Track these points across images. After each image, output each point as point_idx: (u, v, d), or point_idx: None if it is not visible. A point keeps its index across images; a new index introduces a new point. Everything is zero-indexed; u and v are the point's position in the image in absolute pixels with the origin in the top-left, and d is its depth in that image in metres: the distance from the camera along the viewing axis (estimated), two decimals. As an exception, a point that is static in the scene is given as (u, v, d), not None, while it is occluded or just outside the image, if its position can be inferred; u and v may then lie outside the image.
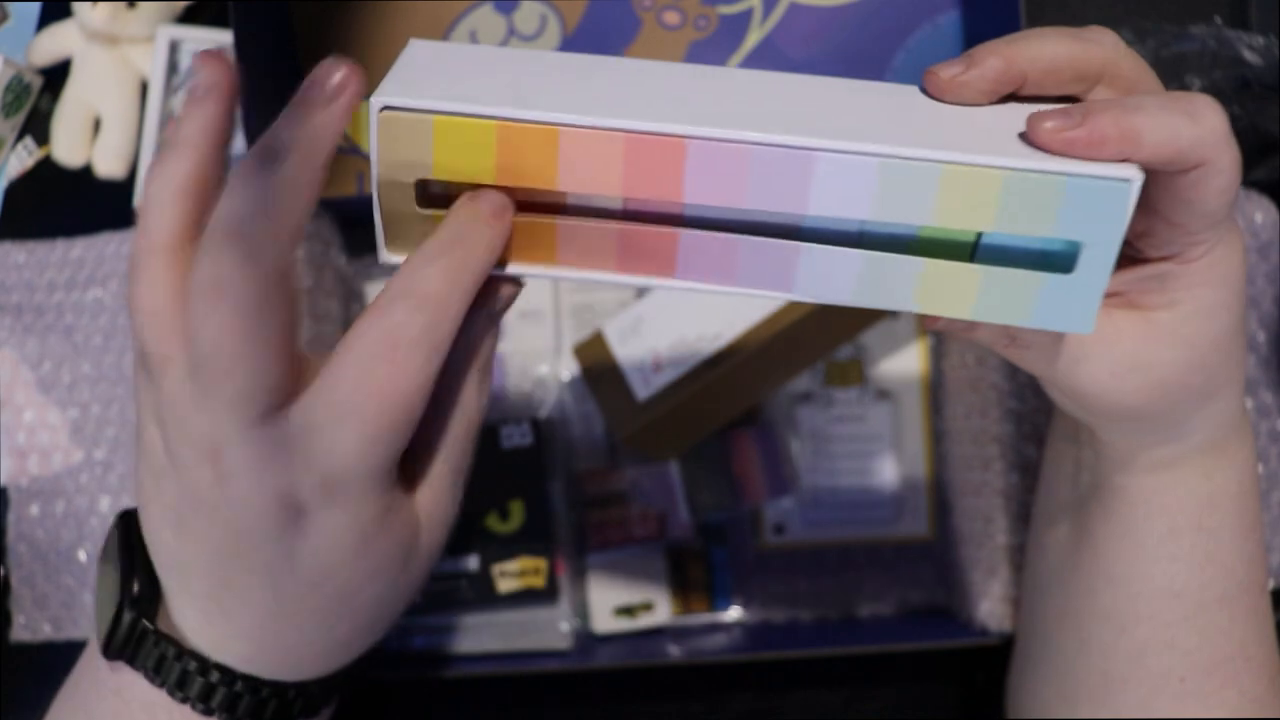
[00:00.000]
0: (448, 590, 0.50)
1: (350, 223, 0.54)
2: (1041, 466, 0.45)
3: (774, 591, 0.55)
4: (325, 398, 0.26)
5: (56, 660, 0.54)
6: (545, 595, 0.50)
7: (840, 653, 0.51)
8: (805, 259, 0.28)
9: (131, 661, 0.30)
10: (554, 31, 0.52)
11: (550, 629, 0.51)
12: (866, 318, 0.52)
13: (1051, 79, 0.30)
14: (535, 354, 0.54)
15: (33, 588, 0.53)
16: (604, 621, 0.52)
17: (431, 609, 0.49)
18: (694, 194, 0.28)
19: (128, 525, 0.32)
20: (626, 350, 0.49)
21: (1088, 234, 0.28)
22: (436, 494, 0.31)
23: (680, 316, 0.49)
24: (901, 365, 0.55)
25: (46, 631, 0.54)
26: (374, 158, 0.28)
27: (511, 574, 0.50)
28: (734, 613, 0.54)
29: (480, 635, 0.51)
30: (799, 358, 0.51)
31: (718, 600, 0.54)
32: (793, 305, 0.48)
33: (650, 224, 0.29)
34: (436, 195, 0.30)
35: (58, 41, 0.58)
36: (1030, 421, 0.50)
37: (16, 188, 0.58)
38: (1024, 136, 0.28)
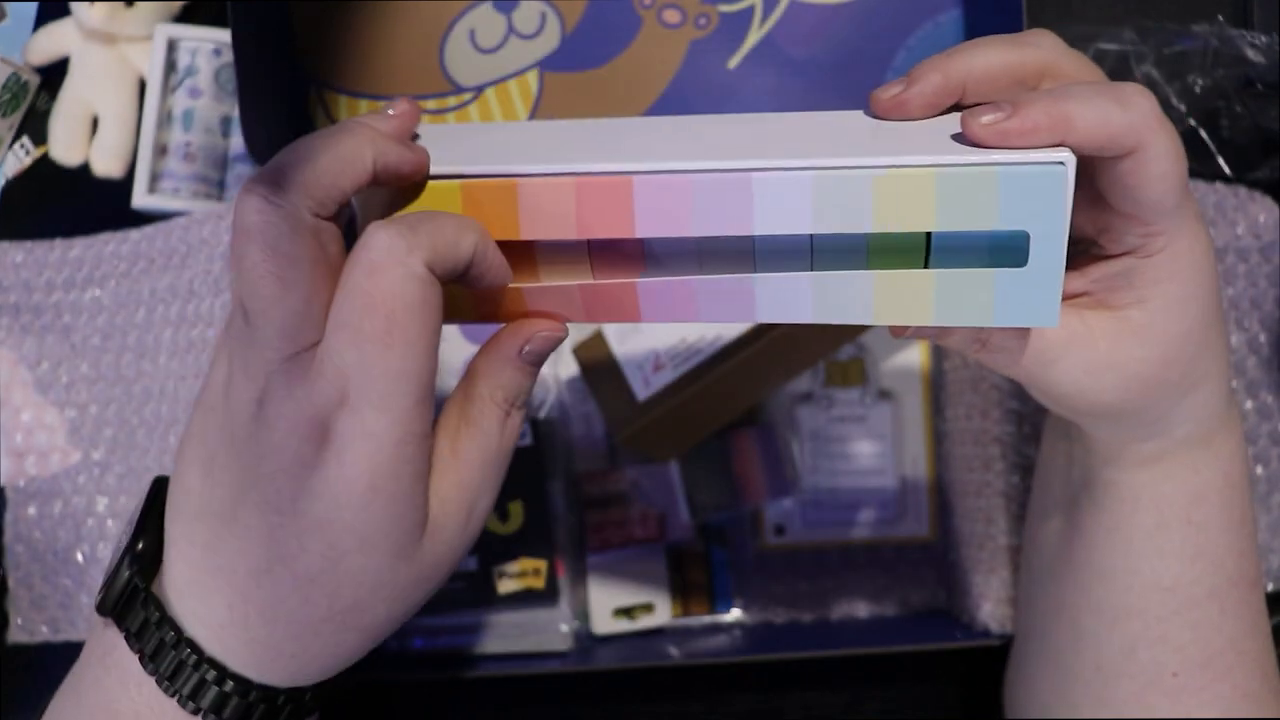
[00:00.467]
0: (447, 591, 0.50)
1: (349, 222, 0.54)
2: (1037, 463, 0.45)
3: (774, 592, 0.54)
4: (332, 319, 0.28)
5: (54, 662, 0.54)
6: (545, 596, 0.50)
7: (841, 654, 0.51)
8: (760, 288, 0.29)
9: (120, 621, 0.31)
10: (554, 30, 0.51)
11: (550, 630, 0.51)
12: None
13: (991, 87, 0.31)
14: (535, 354, 0.54)
15: (30, 589, 0.53)
16: (604, 623, 0.52)
17: (431, 610, 0.49)
18: (645, 227, 0.29)
19: (156, 490, 0.33)
20: (626, 350, 0.49)
21: (1033, 224, 0.28)
22: (451, 506, 0.31)
23: (680, 316, 0.49)
24: (903, 365, 0.55)
25: (44, 633, 0.53)
26: (359, 228, 0.32)
27: (511, 575, 0.50)
28: (734, 614, 0.54)
29: (480, 636, 0.51)
30: (799, 358, 0.51)
31: (718, 601, 0.54)
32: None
33: (612, 267, 0.31)
34: None
35: (55, 40, 0.57)
36: (1031, 422, 0.50)
37: (14, 187, 0.58)
38: (959, 137, 0.29)
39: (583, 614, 0.52)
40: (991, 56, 0.31)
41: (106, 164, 0.56)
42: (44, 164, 0.58)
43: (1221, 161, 0.57)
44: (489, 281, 0.30)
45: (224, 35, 0.56)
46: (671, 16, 0.51)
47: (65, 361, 0.54)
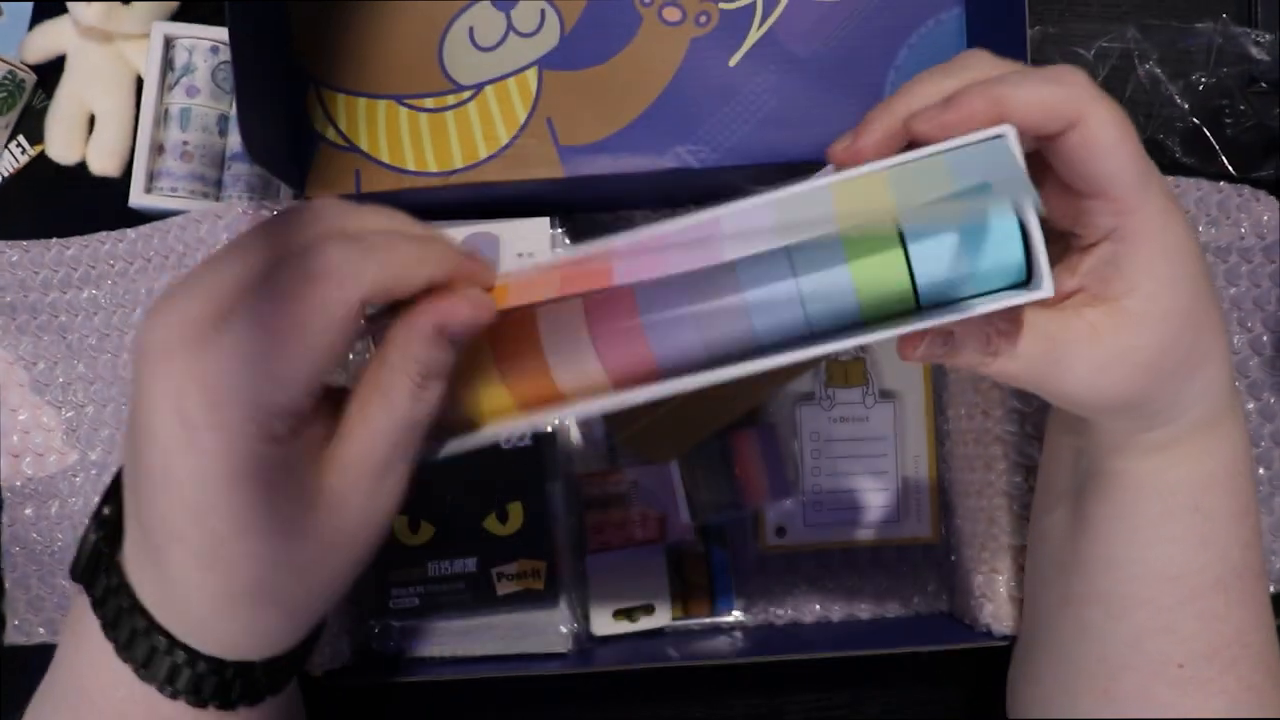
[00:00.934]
0: (446, 592, 0.49)
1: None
2: (1040, 458, 0.45)
3: (775, 594, 0.54)
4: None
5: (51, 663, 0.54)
6: (545, 597, 0.49)
7: (842, 655, 0.51)
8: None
9: (88, 588, 0.32)
10: (553, 28, 0.51)
11: (549, 631, 0.50)
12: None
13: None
14: (534, 354, 0.53)
15: (27, 590, 0.53)
16: (604, 624, 0.52)
17: (430, 611, 0.49)
18: (622, 277, 0.31)
19: None
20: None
21: (992, 179, 0.29)
22: (353, 475, 0.30)
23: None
24: (904, 365, 0.54)
25: (41, 634, 0.53)
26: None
27: (510, 576, 0.49)
28: (735, 615, 0.54)
29: (479, 638, 0.51)
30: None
31: (719, 602, 0.53)
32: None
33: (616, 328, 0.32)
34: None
35: (51, 38, 0.57)
36: (1033, 421, 0.50)
37: (10, 186, 0.58)
38: (910, 146, 0.31)
39: (583, 615, 0.52)
40: (929, 89, 0.32)
41: (103, 163, 0.56)
42: (40, 163, 0.58)
43: (1225, 160, 0.57)
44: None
45: (221, 33, 0.56)
46: (672, 14, 0.51)
47: (62, 361, 0.54)
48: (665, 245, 0.31)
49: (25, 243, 0.55)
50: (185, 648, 0.31)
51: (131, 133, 0.56)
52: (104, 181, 0.56)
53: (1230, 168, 0.57)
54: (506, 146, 0.50)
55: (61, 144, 0.56)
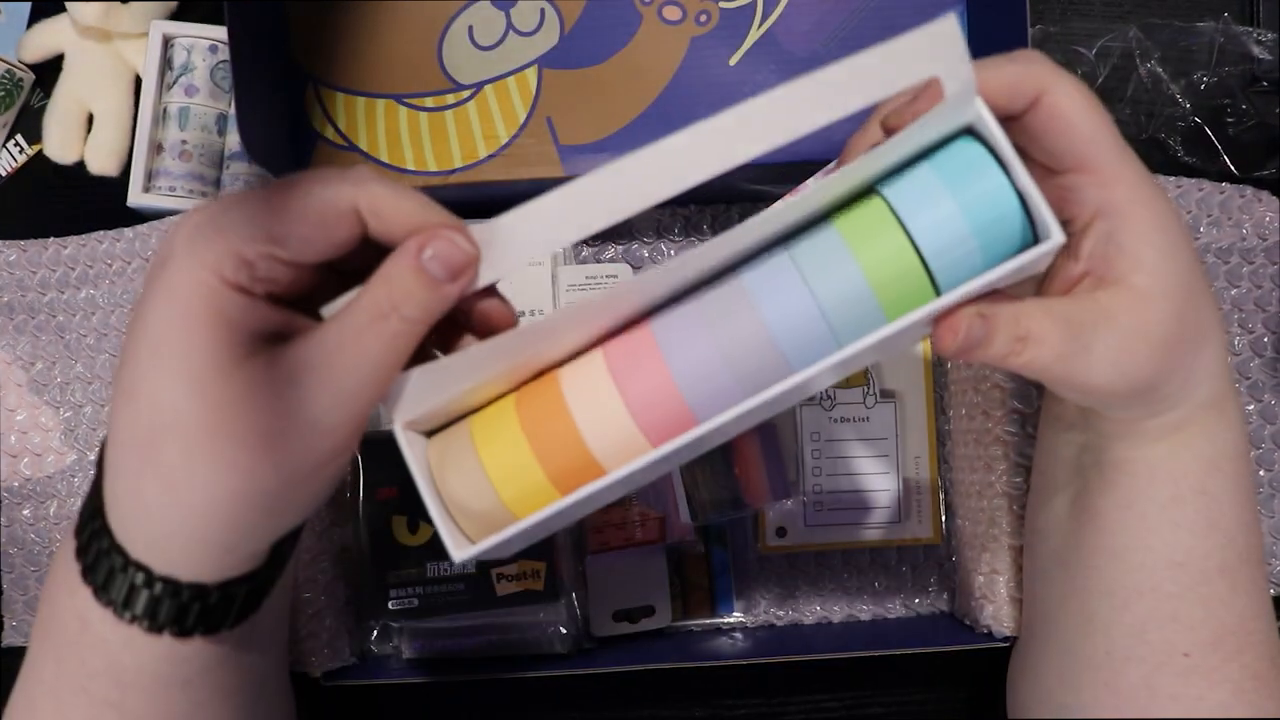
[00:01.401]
0: (446, 593, 0.49)
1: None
2: (1035, 456, 0.45)
3: (776, 594, 0.54)
4: None
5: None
6: (544, 598, 0.49)
7: (843, 657, 0.51)
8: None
9: (77, 536, 0.32)
10: (553, 27, 0.51)
11: (549, 632, 0.50)
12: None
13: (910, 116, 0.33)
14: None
15: (25, 591, 0.53)
16: (604, 625, 0.52)
17: (430, 612, 0.49)
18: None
19: None
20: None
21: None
22: (327, 355, 0.30)
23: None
24: (906, 365, 0.54)
25: (32, 634, 0.53)
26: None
27: (510, 577, 0.49)
28: (735, 616, 0.54)
29: (479, 639, 0.50)
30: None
31: (719, 604, 0.53)
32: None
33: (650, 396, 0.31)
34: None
35: (49, 37, 0.57)
36: (1034, 423, 0.49)
37: (8, 186, 0.58)
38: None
39: (582, 616, 0.52)
40: (894, 102, 0.33)
41: (101, 162, 0.56)
42: (38, 162, 0.57)
43: (1227, 159, 0.57)
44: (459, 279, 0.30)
45: (220, 32, 0.55)
46: (672, 13, 0.51)
47: (60, 361, 0.54)
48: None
49: (23, 242, 0.55)
50: (166, 578, 0.31)
51: (130, 132, 0.56)
52: (102, 181, 0.56)
53: (1232, 167, 0.57)
54: (506, 146, 0.50)
55: (60, 143, 0.56)
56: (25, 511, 0.53)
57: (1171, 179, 0.54)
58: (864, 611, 0.54)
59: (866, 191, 0.31)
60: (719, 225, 0.56)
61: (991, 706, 0.52)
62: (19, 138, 0.58)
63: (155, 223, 0.53)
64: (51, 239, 0.54)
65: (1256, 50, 0.56)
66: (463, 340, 0.33)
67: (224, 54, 0.56)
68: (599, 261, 0.55)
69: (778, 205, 0.30)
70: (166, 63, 0.56)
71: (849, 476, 0.54)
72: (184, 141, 0.55)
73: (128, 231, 0.54)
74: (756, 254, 0.32)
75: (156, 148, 0.55)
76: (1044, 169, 0.33)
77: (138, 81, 0.57)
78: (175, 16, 0.57)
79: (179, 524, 0.30)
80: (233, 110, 0.56)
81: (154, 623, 0.31)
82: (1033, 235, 0.30)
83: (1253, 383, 0.53)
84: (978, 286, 0.30)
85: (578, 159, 0.50)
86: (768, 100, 0.28)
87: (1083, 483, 0.40)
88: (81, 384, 0.54)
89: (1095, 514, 0.39)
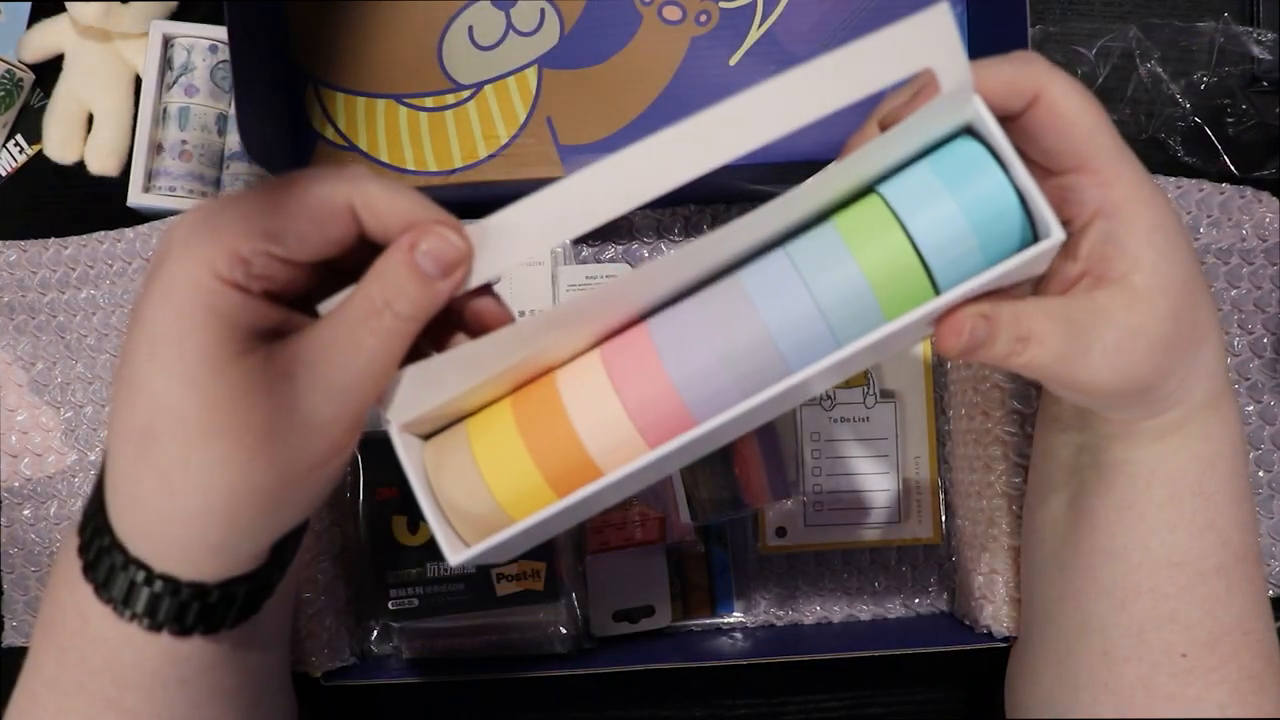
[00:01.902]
0: (446, 593, 0.49)
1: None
2: (1032, 458, 0.45)
3: (776, 595, 0.54)
4: None
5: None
6: (544, 598, 0.49)
7: (843, 657, 0.51)
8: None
9: (79, 535, 0.32)
10: (553, 27, 0.51)
11: (549, 632, 0.50)
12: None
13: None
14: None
15: (25, 591, 0.53)
16: (604, 625, 0.52)
17: (430, 612, 0.49)
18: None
19: None
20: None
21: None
22: (322, 348, 0.30)
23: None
24: (905, 365, 0.54)
25: (34, 631, 0.53)
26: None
27: (510, 577, 0.49)
28: (735, 616, 0.54)
29: (478, 638, 0.50)
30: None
31: (719, 604, 0.53)
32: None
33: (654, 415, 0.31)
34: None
35: (49, 37, 0.57)
36: (1033, 423, 0.49)
37: (8, 186, 0.58)
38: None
39: (582, 616, 0.52)
40: (890, 103, 0.34)
41: (101, 162, 0.56)
42: (38, 162, 0.57)
43: (1227, 159, 0.57)
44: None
45: (220, 32, 0.55)
46: (672, 13, 0.51)
47: (60, 361, 0.54)
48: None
49: (23, 242, 0.55)
50: (165, 576, 0.31)
51: (130, 132, 0.56)
52: (102, 181, 0.56)
53: (1232, 167, 0.57)
54: (506, 146, 0.50)
55: (60, 143, 0.56)
56: (25, 511, 0.53)
57: (1171, 179, 0.54)
58: (864, 611, 0.54)
59: (865, 191, 0.31)
60: (719, 225, 0.56)
61: (991, 706, 0.52)
62: (19, 138, 0.58)
63: (155, 223, 0.53)
64: (51, 239, 0.54)
65: (1256, 50, 0.56)
66: (455, 339, 0.33)
67: (224, 54, 0.56)
68: (599, 261, 0.55)
69: (774, 202, 0.29)
70: (166, 63, 0.56)
71: (849, 476, 0.54)
72: (184, 141, 0.55)
73: (128, 232, 0.54)
74: (754, 253, 0.32)
75: (156, 148, 0.55)
76: (1042, 169, 0.33)
77: (138, 81, 0.57)
78: (175, 16, 0.57)
79: (176, 522, 0.30)
80: (233, 110, 0.56)
81: (153, 621, 0.31)
82: (1032, 234, 0.30)
83: (1252, 383, 0.53)
84: (977, 285, 0.30)
85: (578, 159, 0.50)
86: (759, 94, 0.28)
87: (1080, 483, 0.40)
88: (82, 384, 0.54)
89: (1092, 514, 0.39)
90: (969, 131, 0.30)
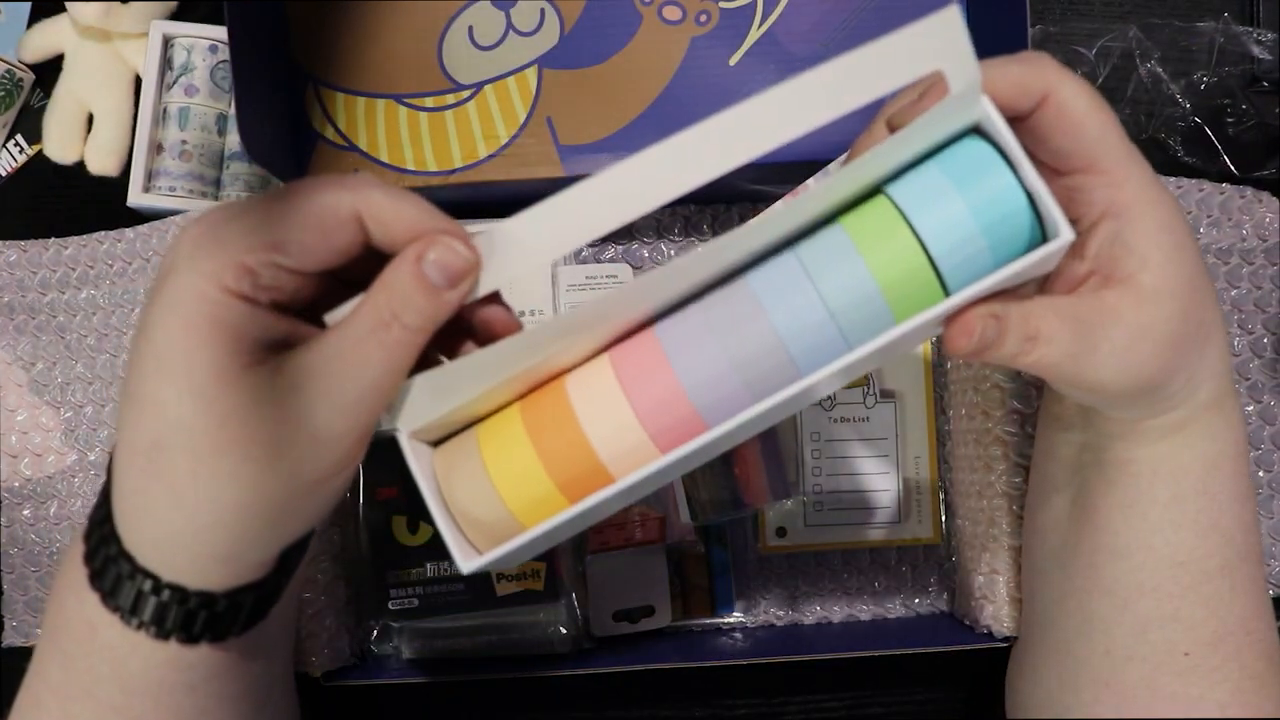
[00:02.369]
0: (446, 593, 0.49)
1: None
2: (1033, 457, 0.45)
3: (776, 595, 0.54)
4: None
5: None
6: (544, 598, 0.49)
7: (843, 657, 0.51)
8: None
9: (85, 541, 0.32)
10: (553, 27, 0.51)
11: (549, 632, 0.50)
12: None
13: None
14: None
15: (25, 591, 0.53)
16: (604, 625, 0.52)
17: (430, 612, 0.49)
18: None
19: None
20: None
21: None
22: (338, 417, 0.30)
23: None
24: (906, 365, 0.54)
25: (39, 635, 0.53)
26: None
27: (510, 577, 0.49)
28: (735, 616, 0.54)
29: (478, 638, 0.50)
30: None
31: (719, 604, 0.53)
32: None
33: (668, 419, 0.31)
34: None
35: (49, 37, 0.57)
36: (1034, 423, 0.49)
37: (8, 186, 0.57)
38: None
39: (582, 616, 0.52)
40: (898, 102, 0.34)
41: (101, 162, 0.56)
42: (38, 162, 0.57)
43: (1227, 159, 0.57)
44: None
45: (220, 32, 0.55)
46: (672, 13, 0.51)
47: (60, 361, 0.54)
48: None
49: (23, 242, 0.55)
50: (173, 585, 0.31)
51: (130, 132, 0.56)
52: (102, 181, 0.56)
53: (1232, 167, 0.57)
54: (506, 146, 0.50)
55: (59, 143, 0.56)
56: (25, 511, 0.53)
57: (1171, 179, 0.54)
58: (864, 611, 0.54)
59: (873, 192, 0.31)
60: (719, 225, 0.56)
61: (991, 707, 0.52)
62: (19, 138, 0.58)
63: (155, 223, 0.53)
64: (51, 239, 0.54)
65: (1256, 50, 0.56)
66: (465, 347, 0.33)
67: (224, 54, 0.56)
68: (599, 261, 0.55)
69: (779, 205, 0.29)
70: (166, 63, 0.56)
71: (849, 476, 0.54)
72: (184, 141, 0.55)
73: (128, 232, 0.54)
74: (762, 256, 0.31)
75: (156, 148, 0.55)
76: (1049, 170, 0.33)
77: (138, 81, 0.57)
78: (175, 16, 0.57)
79: (185, 533, 0.30)
80: (233, 110, 0.56)
81: (161, 629, 0.31)
82: (1040, 234, 0.30)
83: (1252, 383, 0.53)
84: (987, 286, 0.30)
85: (578, 159, 0.50)
86: (767, 99, 0.28)
87: (1082, 482, 0.40)
88: (82, 384, 0.54)
89: (1095, 513, 0.39)
90: (977, 131, 0.30)
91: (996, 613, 0.49)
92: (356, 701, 0.53)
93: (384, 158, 0.50)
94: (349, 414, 0.30)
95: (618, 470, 0.31)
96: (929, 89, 0.31)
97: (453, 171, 0.50)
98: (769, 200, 0.52)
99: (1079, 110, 0.32)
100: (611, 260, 0.55)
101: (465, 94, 0.51)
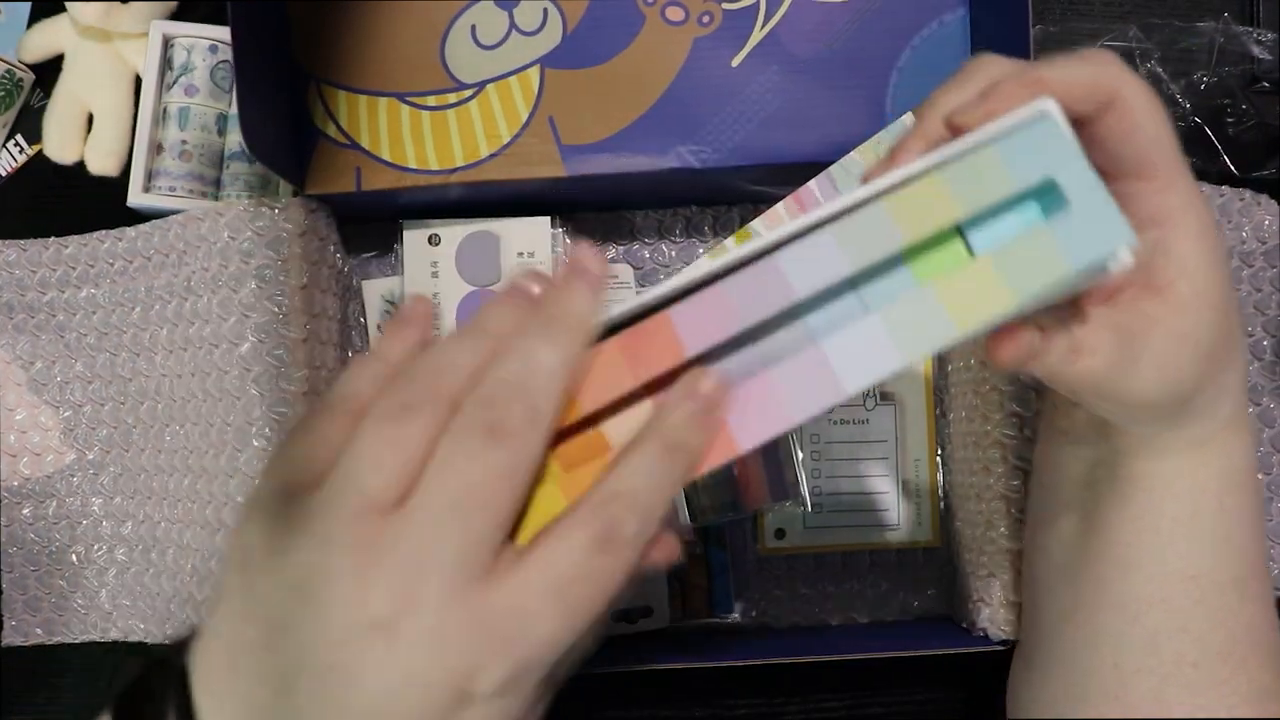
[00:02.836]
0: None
1: (346, 219, 0.53)
2: (1035, 471, 0.44)
3: (775, 596, 0.54)
4: (539, 578, 0.25)
5: (48, 664, 0.53)
6: (545, 599, 0.49)
7: (842, 659, 0.51)
8: (835, 356, 0.28)
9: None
10: (555, 26, 0.51)
11: (549, 633, 0.50)
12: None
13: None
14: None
15: (24, 590, 0.53)
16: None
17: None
18: (694, 345, 0.28)
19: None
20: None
21: (1050, 167, 0.27)
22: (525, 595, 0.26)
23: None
24: (905, 367, 0.54)
25: (38, 635, 0.53)
26: None
27: (510, 577, 0.49)
28: (734, 618, 0.54)
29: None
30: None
31: (718, 605, 0.53)
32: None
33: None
34: None
35: (49, 37, 0.57)
36: (1033, 426, 0.49)
37: (8, 185, 0.57)
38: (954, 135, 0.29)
39: (582, 617, 0.52)
40: (956, 94, 0.31)
41: (101, 162, 0.56)
42: (38, 162, 0.57)
43: (1227, 159, 0.57)
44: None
45: (220, 32, 0.55)
46: (674, 14, 0.51)
47: (60, 361, 0.54)
48: (728, 304, 0.28)
49: (23, 242, 0.55)
50: None
51: (130, 132, 0.56)
52: (102, 181, 0.56)
53: (1232, 167, 0.57)
54: (508, 145, 0.50)
55: (59, 143, 0.56)
56: (25, 511, 0.53)
57: (1171, 181, 0.54)
58: (862, 613, 0.54)
59: (955, 235, 0.28)
60: (720, 226, 0.56)
61: (991, 707, 0.52)
62: (19, 138, 0.58)
63: (156, 222, 0.53)
64: (51, 239, 0.54)
65: (1256, 50, 0.56)
66: None
67: (224, 54, 0.56)
68: (599, 262, 0.55)
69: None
70: (166, 63, 0.56)
71: (848, 479, 0.54)
72: (184, 141, 0.55)
73: (129, 231, 0.54)
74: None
75: (156, 148, 0.55)
76: (1104, 172, 0.31)
77: (138, 81, 0.57)
78: (175, 16, 0.56)
79: None
80: (233, 110, 0.56)
81: None
82: None
83: (1252, 386, 0.53)
84: (1063, 342, 0.29)
85: (580, 159, 0.50)
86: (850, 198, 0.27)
87: (1093, 497, 0.40)
88: (81, 383, 0.54)
89: (1106, 528, 0.39)
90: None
91: (993, 615, 0.49)
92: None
93: (385, 156, 0.50)
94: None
95: None
96: (992, 89, 0.29)
97: (454, 170, 0.50)
98: (770, 201, 0.52)
99: (1141, 114, 0.31)
100: (613, 260, 0.55)
101: (467, 93, 0.51)
